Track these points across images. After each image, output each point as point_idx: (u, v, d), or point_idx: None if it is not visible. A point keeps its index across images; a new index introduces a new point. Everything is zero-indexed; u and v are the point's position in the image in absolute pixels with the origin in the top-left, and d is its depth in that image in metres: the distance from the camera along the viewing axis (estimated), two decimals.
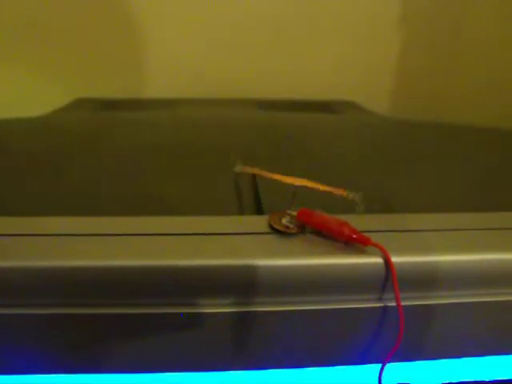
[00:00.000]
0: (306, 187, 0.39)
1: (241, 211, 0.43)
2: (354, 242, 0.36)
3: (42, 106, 0.86)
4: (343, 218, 0.37)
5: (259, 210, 0.43)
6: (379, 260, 0.35)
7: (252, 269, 0.34)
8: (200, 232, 0.37)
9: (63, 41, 1.05)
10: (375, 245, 0.35)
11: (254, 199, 0.45)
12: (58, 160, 0.56)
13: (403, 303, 0.35)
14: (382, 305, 0.37)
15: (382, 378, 0.37)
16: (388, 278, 0.36)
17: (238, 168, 0.42)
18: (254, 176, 0.49)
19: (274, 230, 0.37)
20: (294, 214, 0.38)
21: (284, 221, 0.38)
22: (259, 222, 0.38)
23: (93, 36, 1.05)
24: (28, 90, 1.05)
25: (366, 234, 0.36)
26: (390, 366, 0.38)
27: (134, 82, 1.10)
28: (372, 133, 0.75)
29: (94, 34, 1.05)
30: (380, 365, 0.37)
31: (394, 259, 0.35)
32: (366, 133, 0.74)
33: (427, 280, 0.36)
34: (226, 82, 1.08)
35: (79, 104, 0.97)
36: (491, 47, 1.12)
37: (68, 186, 0.49)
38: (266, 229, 0.38)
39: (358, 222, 0.37)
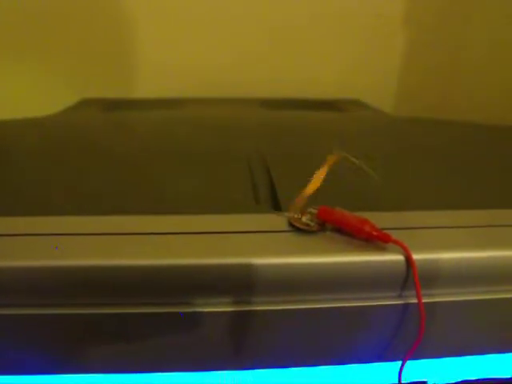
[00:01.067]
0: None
1: (259, 209, 0.43)
2: (374, 240, 0.36)
3: (49, 106, 0.86)
4: (363, 215, 0.37)
5: (277, 208, 0.43)
6: (400, 257, 0.35)
7: (273, 267, 0.34)
8: (220, 230, 0.37)
9: (69, 42, 1.05)
10: (396, 242, 0.35)
11: (271, 197, 0.45)
12: (68, 159, 0.56)
13: (423, 300, 0.35)
14: (402, 302, 0.37)
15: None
16: (409, 275, 0.36)
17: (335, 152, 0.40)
18: (270, 174, 0.49)
19: (295, 228, 0.37)
20: (315, 211, 0.38)
21: (304, 219, 0.38)
22: (279, 220, 0.38)
23: (98, 37, 1.05)
24: (35, 91, 1.05)
25: (386, 232, 0.36)
26: (407, 364, 0.38)
27: (138, 83, 1.10)
28: (380, 130, 0.75)
29: (99, 35, 1.05)
30: (398, 362, 0.38)
31: (415, 256, 0.35)
32: (374, 130, 0.74)
33: (448, 277, 0.36)
34: (233, 82, 1.08)
35: (86, 104, 0.97)
36: (495, 47, 1.12)
37: (77, 184, 0.49)
38: (286, 227, 0.38)
39: (378, 219, 0.37)
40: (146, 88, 1.09)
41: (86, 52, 1.06)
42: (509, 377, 0.43)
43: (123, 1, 1.03)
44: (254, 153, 0.55)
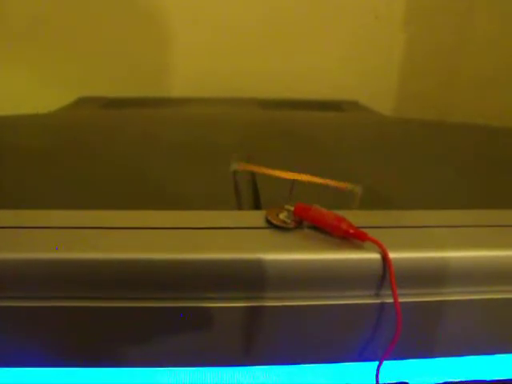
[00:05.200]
0: (304, 182, 0.39)
1: (239, 206, 0.43)
2: (350, 237, 0.36)
3: (46, 105, 0.87)
4: (340, 213, 0.37)
5: (257, 205, 0.43)
6: (376, 255, 0.35)
7: (249, 263, 0.34)
8: (198, 226, 0.37)
9: (66, 41, 1.06)
10: (372, 240, 0.35)
11: (252, 194, 0.45)
12: (65, 155, 0.57)
13: (400, 299, 0.35)
14: (379, 301, 0.36)
15: (380, 376, 0.37)
16: (385, 273, 0.35)
17: (234, 166, 0.42)
18: (252, 172, 0.49)
19: (272, 225, 0.37)
20: (292, 208, 0.38)
21: (281, 216, 0.38)
22: (257, 217, 0.38)
23: (96, 37, 1.06)
24: (33, 89, 1.06)
25: (363, 230, 0.36)
26: (387, 364, 0.38)
27: (136, 82, 1.11)
28: (375, 131, 0.75)
29: (97, 34, 1.06)
30: (377, 362, 0.37)
31: (392, 255, 0.35)
32: (370, 131, 0.75)
33: (424, 276, 0.36)
34: (232, 82, 1.08)
35: (83, 102, 0.98)
36: (495, 48, 1.11)
37: (74, 180, 0.49)
38: (263, 224, 0.38)
39: (356, 217, 0.37)
40: (143, 87, 1.10)
41: (85, 51, 1.07)
42: (490, 379, 0.43)
43: (122, 1, 1.03)
44: (240, 152, 0.55)
